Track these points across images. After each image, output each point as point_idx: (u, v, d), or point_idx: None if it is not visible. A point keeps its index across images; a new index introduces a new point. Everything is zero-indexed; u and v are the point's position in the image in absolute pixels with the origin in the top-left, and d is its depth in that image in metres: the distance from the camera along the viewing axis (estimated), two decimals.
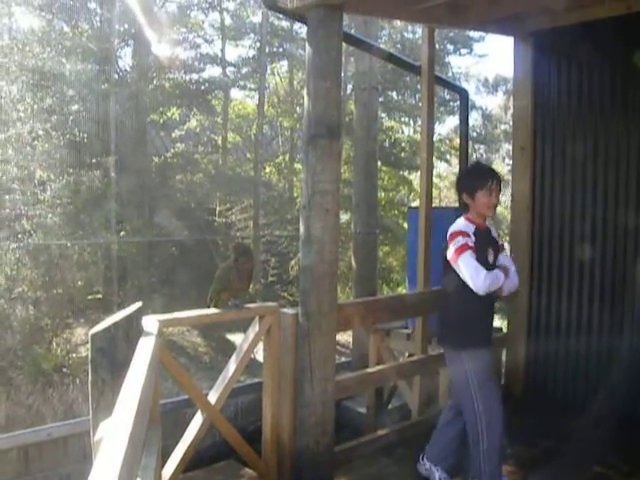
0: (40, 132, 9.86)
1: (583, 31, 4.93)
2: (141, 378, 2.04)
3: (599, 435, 4.51)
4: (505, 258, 3.68)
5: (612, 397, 4.76)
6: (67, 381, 8.29)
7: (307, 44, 3.76)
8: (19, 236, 9.23)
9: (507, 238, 6.82)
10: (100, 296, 11.68)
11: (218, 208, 14.37)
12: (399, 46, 17.89)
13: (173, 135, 14.69)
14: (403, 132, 20.14)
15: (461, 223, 3.54)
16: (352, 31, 8.29)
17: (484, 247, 3.48)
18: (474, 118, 21.79)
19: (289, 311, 3.75)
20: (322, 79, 3.63)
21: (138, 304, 2.81)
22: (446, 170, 22.27)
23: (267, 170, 16.83)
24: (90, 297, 11.32)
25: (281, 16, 7.63)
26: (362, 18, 8.42)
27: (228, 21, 16.74)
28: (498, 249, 3.62)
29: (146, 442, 2.70)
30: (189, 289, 10.52)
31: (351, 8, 4.02)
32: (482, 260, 3.40)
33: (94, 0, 11.96)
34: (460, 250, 3.36)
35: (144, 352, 2.42)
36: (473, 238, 3.42)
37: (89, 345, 2.47)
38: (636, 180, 4.97)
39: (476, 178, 3.57)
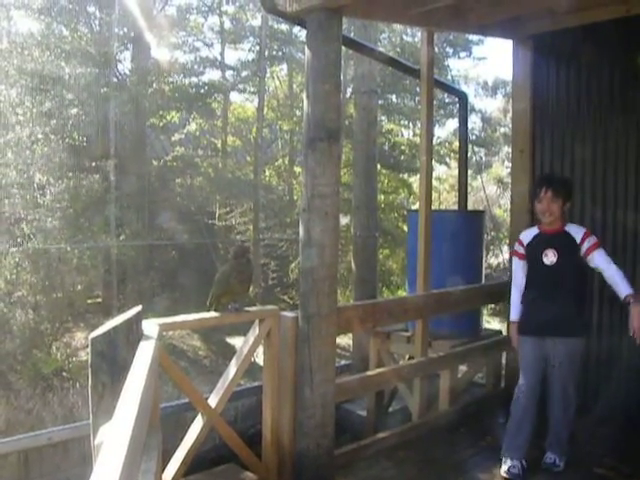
0: (39, 136, 9.87)
1: (583, 34, 4.94)
2: (141, 382, 2.04)
3: (600, 436, 4.53)
4: (600, 257, 3.86)
5: (613, 397, 4.76)
6: (67, 385, 8.29)
7: (306, 48, 3.76)
8: (19, 240, 9.22)
9: (507, 240, 6.81)
10: (100, 300, 11.70)
11: (218, 211, 14.38)
12: (398, 49, 17.89)
13: (173, 138, 14.71)
14: (403, 135, 20.16)
15: (526, 230, 4.23)
16: (351, 35, 8.29)
17: (540, 249, 3.91)
18: (473, 121, 21.82)
19: (289, 314, 3.74)
20: (321, 82, 3.63)
21: (138, 308, 2.80)
22: (445, 173, 22.29)
23: (267, 173, 16.84)
24: (90, 301, 11.33)
25: (280, 19, 7.62)
26: (361, 22, 8.41)
27: (227, 24, 16.78)
28: (570, 250, 3.86)
29: (146, 446, 2.69)
30: (189, 292, 10.52)
31: (350, 12, 4.01)
32: (533, 261, 3.97)
33: (93, 3, 11.96)
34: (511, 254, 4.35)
35: (144, 356, 2.42)
36: (527, 241, 4.04)
37: (89, 349, 2.46)
38: (635, 181, 4.97)
39: (537, 184, 4.06)
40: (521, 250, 4.08)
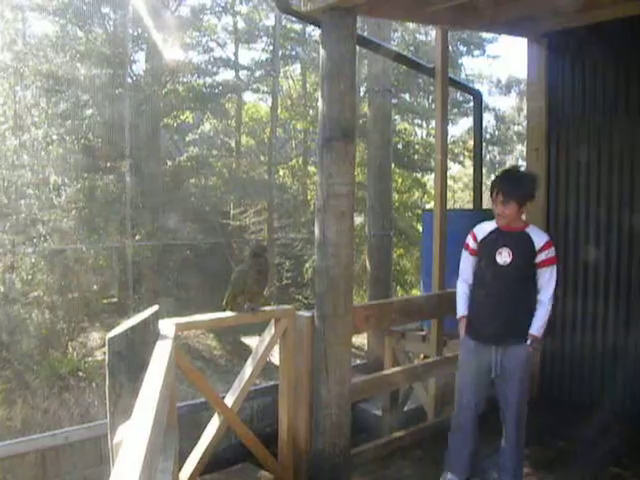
0: (54, 137, 9.92)
1: (596, 32, 4.91)
2: (159, 382, 2.05)
3: (615, 435, 4.50)
4: (548, 276, 3.60)
5: (628, 395, 4.74)
6: (83, 385, 8.34)
7: (321, 47, 3.76)
8: (34, 241, 9.28)
9: None
10: (115, 300, 11.75)
11: (232, 211, 14.41)
12: (412, 48, 17.86)
13: (187, 139, 14.75)
14: (417, 134, 20.13)
15: (484, 223, 3.75)
16: (364, 33, 8.28)
17: (494, 247, 3.57)
18: (487, 120, 21.74)
19: (305, 314, 3.75)
20: (336, 82, 3.63)
21: (155, 307, 2.81)
22: (459, 172, 22.24)
23: (281, 173, 16.86)
24: (105, 301, 11.39)
25: (294, 19, 7.62)
26: (375, 20, 8.40)
27: (241, 24, 16.80)
28: (525, 253, 3.56)
29: (164, 445, 2.71)
30: (204, 292, 10.55)
31: (364, 11, 4.00)
32: (486, 259, 3.62)
33: (107, 4, 12.00)
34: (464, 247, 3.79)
35: (161, 356, 2.43)
36: (481, 236, 3.66)
37: (106, 349, 2.47)
38: None
39: (490, 185, 3.67)
40: (473, 245, 3.70)
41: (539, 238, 3.57)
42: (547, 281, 3.58)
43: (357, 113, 15.08)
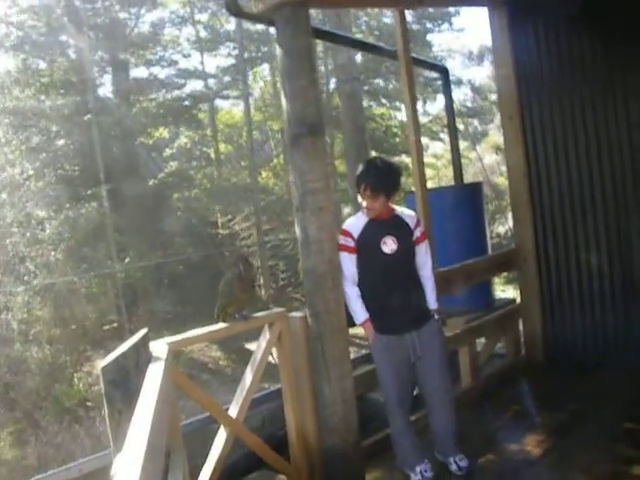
0: (31, 172, 9.87)
1: None
2: (151, 407, 2.03)
3: (626, 392, 4.50)
4: (424, 250, 3.73)
5: (637, 350, 4.73)
6: (93, 414, 8.32)
7: (277, 46, 3.73)
8: (25, 278, 9.23)
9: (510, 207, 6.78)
10: (116, 325, 11.73)
11: (220, 220, 14.38)
12: (377, 32, 17.84)
13: (165, 154, 14.70)
14: (396, 117, 20.14)
15: (351, 219, 3.74)
16: (326, 25, 8.26)
17: (377, 238, 3.54)
18: (464, 93, 21.79)
19: (297, 314, 3.72)
20: (297, 79, 3.59)
21: (144, 331, 2.79)
22: (442, 149, 22.26)
23: (263, 175, 16.83)
24: (107, 327, 11.37)
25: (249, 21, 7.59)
26: (334, 11, 8.37)
27: (203, 33, 16.76)
28: (406, 235, 3.61)
29: (170, 466, 2.69)
30: (201, 305, 10.52)
31: (316, 3, 3.99)
32: (371, 252, 3.54)
33: (64, 32, 11.90)
34: (340, 248, 3.59)
35: (153, 379, 2.40)
36: (357, 232, 3.56)
37: (101, 378, 2.46)
38: (627, 131, 4.94)
39: (356, 179, 3.65)
40: (351, 243, 3.56)
41: (410, 217, 3.67)
42: (425, 255, 3.72)
43: (331, 105, 15.07)
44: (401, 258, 3.57)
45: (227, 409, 3.57)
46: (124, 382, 2.46)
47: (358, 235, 3.57)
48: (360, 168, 3.67)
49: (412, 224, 3.64)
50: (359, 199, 3.61)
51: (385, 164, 3.67)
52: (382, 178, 3.52)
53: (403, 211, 3.71)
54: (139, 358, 2.60)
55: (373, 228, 3.56)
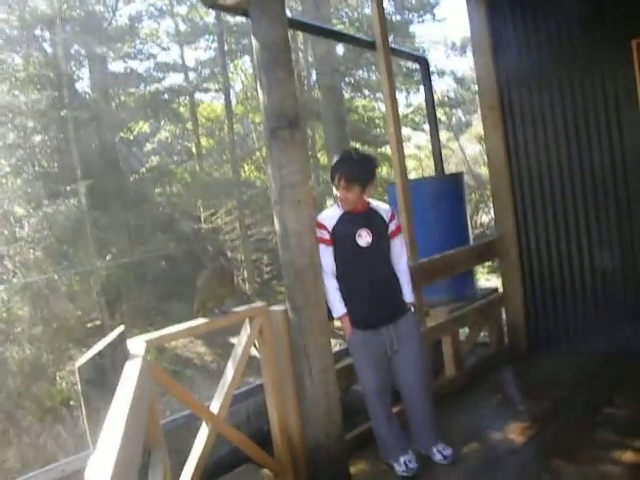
0: (7, 169, 9.75)
1: None
2: (126, 406, 2.00)
3: (605, 377, 4.55)
4: (399, 244, 3.74)
5: (616, 336, 4.76)
6: (76, 413, 8.24)
7: (252, 37, 3.68)
8: (4, 277, 9.14)
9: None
10: (99, 322, 11.64)
11: (202, 215, 14.32)
12: (357, 24, 17.77)
13: (145, 149, 14.60)
14: (379, 109, 20.11)
15: (325, 211, 3.74)
16: (305, 17, 8.21)
17: (351, 230, 3.54)
18: (447, 83, 21.81)
19: (278, 308, 3.69)
20: (273, 71, 3.55)
21: (120, 328, 2.76)
22: (425, 140, 22.25)
23: (246, 169, 16.77)
24: (90, 324, 11.29)
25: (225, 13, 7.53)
26: (313, 2, 8.33)
27: (182, 26, 16.63)
28: (380, 228, 3.62)
29: (151, 464, 2.67)
30: (185, 300, 10.46)
31: None
32: (346, 244, 3.54)
33: (40, 26, 11.75)
34: (317, 241, 3.56)
35: (128, 377, 2.37)
36: (332, 224, 3.56)
37: (77, 377, 2.44)
38: (605, 115, 4.95)
39: (331, 170, 3.66)
40: (326, 236, 3.57)
41: (384, 210, 3.67)
42: (400, 249, 3.73)
43: (312, 97, 15.02)
44: (376, 251, 3.57)
45: (208, 405, 3.54)
46: (101, 381, 2.43)
47: (332, 227, 3.57)
48: (335, 159, 3.67)
49: (387, 217, 3.64)
50: (334, 191, 3.60)
51: (359, 155, 3.66)
52: (356, 168, 3.52)
53: (378, 204, 3.70)
54: (116, 356, 2.57)
55: (348, 221, 3.56)
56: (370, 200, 3.67)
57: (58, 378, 9.39)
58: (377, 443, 3.73)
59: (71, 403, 8.65)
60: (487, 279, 13.45)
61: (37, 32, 11.74)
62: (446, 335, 5.03)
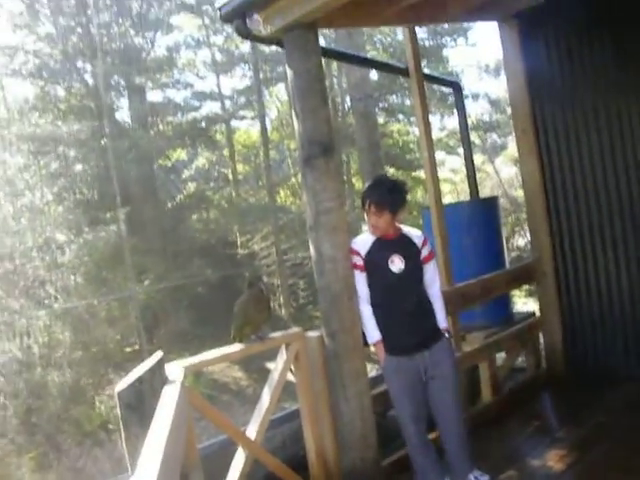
0: (50, 197, 9.99)
1: (566, 3, 4.88)
2: (164, 430, 2.03)
3: None
4: (432, 269, 3.72)
5: None
6: (114, 437, 8.32)
7: (287, 67, 3.76)
8: (46, 302, 9.31)
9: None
10: (137, 347, 11.76)
11: (239, 240, 14.43)
12: (391, 50, 17.85)
13: (183, 176, 14.81)
14: (413, 133, 20.12)
15: (359, 236, 3.72)
16: (339, 44, 8.30)
17: (384, 257, 3.53)
18: (481, 106, 21.69)
19: (313, 334, 3.72)
20: (308, 99, 3.62)
21: (159, 354, 2.80)
22: (460, 163, 22.16)
23: (281, 194, 16.89)
24: (129, 349, 11.41)
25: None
26: (345, 30, 8.42)
27: (219, 56, 16.93)
28: (413, 254, 3.60)
29: None
30: (221, 326, 10.51)
31: (325, 23, 3.98)
32: (379, 271, 3.54)
33: (81, 59, 12.07)
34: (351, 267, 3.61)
35: (167, 402, 2.41)
36: (365, 251, 3.57)
37: (117, 402, 2.48)
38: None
39: (362, 197, 3.66)
40: (360, 262, 3.58)
41: (416, 236, 3.66)
42: (433, 274, 3.71)
43: (346, 123, 15.11)
44: (409, 277, 3.56)
45: (244, 431, 3.56)
46: (140, 406, 2.47)
47: (365, 253, 3.58)
48: (365, 186, 3.69)
49: (419, 243, 3.63)
50: (365, 217, 3.61)
51: (390, 181, 3.71)
52: (386, 194, 3.52)
53: (410, 230, 3.70)
54: (155, 381, 2.61)
55: (380, 247, 3.57)
56: (402, 226, 3.68)
57: (97, 402, 9.51)
58: (414, 469, 3.71)
59: (109, 427, 8.73)
60: (524, 303, 13.27)
61: (79, 64, 12.08)
62: (483, 360, 4.99)
